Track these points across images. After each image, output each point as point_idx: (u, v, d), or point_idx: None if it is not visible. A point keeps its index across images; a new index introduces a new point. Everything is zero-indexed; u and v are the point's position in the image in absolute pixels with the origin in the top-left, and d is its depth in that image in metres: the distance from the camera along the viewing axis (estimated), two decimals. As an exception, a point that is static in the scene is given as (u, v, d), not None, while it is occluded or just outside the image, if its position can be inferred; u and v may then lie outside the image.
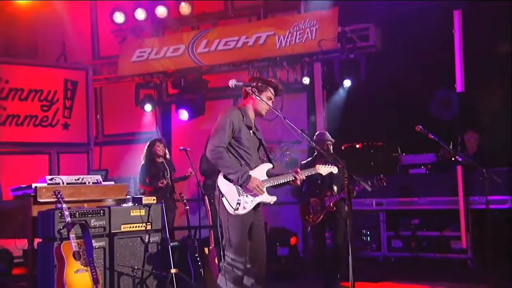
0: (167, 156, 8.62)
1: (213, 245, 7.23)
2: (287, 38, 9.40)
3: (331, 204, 6.57)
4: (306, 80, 9.41)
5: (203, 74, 10.27)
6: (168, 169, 8.51)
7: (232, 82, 4.65)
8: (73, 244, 5.36)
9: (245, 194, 4.57)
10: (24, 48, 10.69)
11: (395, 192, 8.69)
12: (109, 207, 6.13)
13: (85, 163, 10.42)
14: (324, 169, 5.07)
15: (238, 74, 10.12)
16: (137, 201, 6.53)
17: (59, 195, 5.48)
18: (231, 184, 4.56)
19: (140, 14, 10.40)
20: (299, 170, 4.76)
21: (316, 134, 7.10)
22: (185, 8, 10.18)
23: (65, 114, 10.29)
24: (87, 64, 10.92)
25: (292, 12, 9.73)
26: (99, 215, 6.01)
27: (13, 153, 9.86)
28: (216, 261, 7.09)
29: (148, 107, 10.46)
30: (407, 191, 8.72)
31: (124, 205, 6.44)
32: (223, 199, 4.56)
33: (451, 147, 6.83)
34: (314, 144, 5.43)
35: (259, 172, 4.68)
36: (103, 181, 6.99)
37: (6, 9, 9.97)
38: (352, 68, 9.10)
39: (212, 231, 7.29)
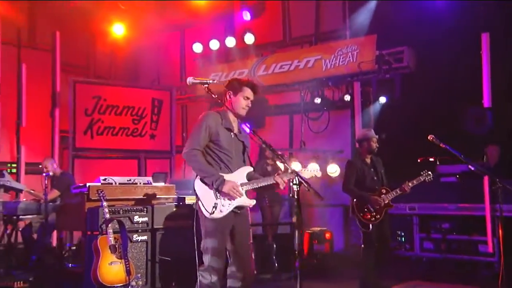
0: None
1: (251, 240, 6.69)
2: (332, 61, 8.85)
3: (389, 202, 5.78)
4: (347, 98, 8.83)
5: (263, 93, 9.82)
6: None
7: (189, 80, 3.93)
8: (110, 238, 5.07)
9: (222, 198, 3.90)
10: (124, 72, 10.73)
11: (426, 198, 7.88)
12: (152, 206, 5.81)
13: (167, 167, 10.26)
14: (307, 173, 4.17)
15: (291, 93, 9.71)
16: (181, 200, 6.18)
17: (101, 194, 5.22)
18: (208, 188, 3.91)
19: (214, 45, 10.18)
20: (280, 173, 4.06)
21: (360, 132, 6.32)
22: (249, 39, 9.88)
23: (152, 126, 10.25)
24: (172, 85, 10.77)
25: (339, 39, 9.05)
26: (142, 212, 5.74)
27: (109, 158, 9.92)
28: (253, 255, 6.58)
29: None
30: (438, 198, 7.89)
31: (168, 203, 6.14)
32: (199, 202, 3.93)
33: (469, 158, 5.98)
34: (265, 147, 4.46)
35: (239, 175, 4.01)
36: (164, 182, 6.73)
37: (109, 40, 10.03)
38: (388, 86, 8.41)
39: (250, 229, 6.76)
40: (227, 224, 3.97)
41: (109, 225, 5.09)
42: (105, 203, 5.14)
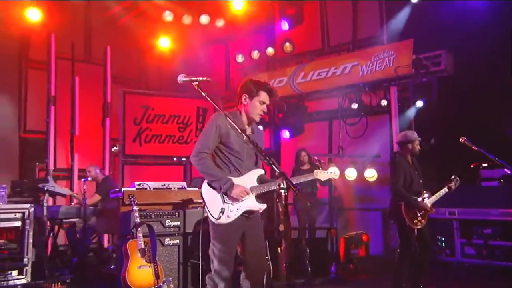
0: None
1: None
2: (369, 67, 8.38)
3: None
4: (384, 103, 8.29)
5: (302, 100, 9.47)
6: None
7: (179, 78, 3.50)
8: (139, 242, 4.85)
9: (230, 202, 3.53)
10: (172, 83, 10.61)
11: (467, 203, 7.31)
12: (184, 210, 5.56)
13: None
14: (323, 175, 3.80)
15: (329, 100, 9.30)
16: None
17: (131, 199, 5.02)
18: (215, 192, 3.55)
19: (255, 54, 9.94)
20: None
21: (402, 134, 5.79)
22: (288, 48, 9.58)
23: (197, 134, 10.05)
24: (218, 95, 10.53)
25: (376, 45, 8.55)
26: (174, 216, 5.50)
27: (157, 164, 9.81)
28: (286, 260, 6.20)
29: (260, 128, 9.87)
30: (480, 202, 7.25)
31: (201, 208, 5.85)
32: (206, 207, 3.57)
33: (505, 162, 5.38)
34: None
35: (249, 178, 3.63)
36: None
37: (155, 53, 9.98)
38: (425, 90, 7.85)
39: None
40: (236, 230, 3.59)
41: (139, 229, 4.88)
42: (135, 208, 4.95)
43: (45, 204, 5.77)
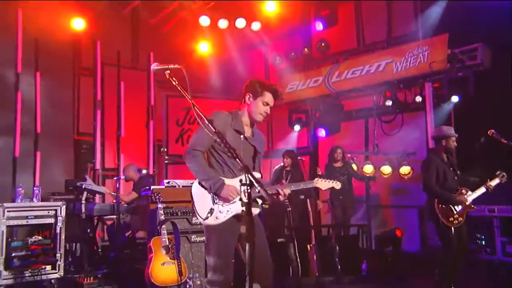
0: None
1: (313, 242, 5.98)
2: (403, 63, 7.87)
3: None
4: (418, 99, 7.70)
5: (338, 99, 9.02)
6: (347, 171, 7.56)
7: (152, 67, 2.96)
8: (163, 239, 4.65)
9: (220, 203, 3.17)
10: (213, 86, 10.48)
11: (508, 200, 6.48)
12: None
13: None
14: (323, 184, 3.41)
15: (365, 98, 8.82)
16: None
17: (157, 196, 4.83)
18: (206, 192, 3.20)
19: (292, 56, 9.62)
20: (284, 183, 3.31)
21: (437, 129, 5.34)
22: (323, 48, 9.18)
23: (235, 133, 9.79)
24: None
25: (411, 41, 7.98)
26: (201, 214, 5.20)
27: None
28: (315, 257, 5.85)
29: (296, 127, 9.58)
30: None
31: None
32: (194, 206, 3.22)
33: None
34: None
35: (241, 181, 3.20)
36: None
37: (195, 57, 9.87)
38: (460, 85, 7.20)
39: (313, 230, 6.05)
40: (230, 234, 3.21)
41: (163, 226, 4.69)
42: (160, 205, 4.76)
43: (83, 202, 5.73)
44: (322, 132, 9.11)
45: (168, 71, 2.89)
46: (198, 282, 5.05)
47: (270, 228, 6.13)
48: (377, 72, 8.23)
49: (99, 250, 6.35)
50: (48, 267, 4.76)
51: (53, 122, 8.51)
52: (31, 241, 4.69)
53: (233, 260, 3.25)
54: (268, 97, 3.34)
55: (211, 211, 3.15)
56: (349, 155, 7.69)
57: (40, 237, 4.77)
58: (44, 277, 4.71)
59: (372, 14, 9.05)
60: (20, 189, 4.98)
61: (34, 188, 5.01)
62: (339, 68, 8.87)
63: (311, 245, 5.91)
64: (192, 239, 5.15)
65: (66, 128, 9.09)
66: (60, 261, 4.82)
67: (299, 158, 7.04)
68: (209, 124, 2.77)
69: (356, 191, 8.00)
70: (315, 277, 5.73)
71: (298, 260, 5.69)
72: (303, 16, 9.62)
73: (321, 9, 9.37)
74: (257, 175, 3.32)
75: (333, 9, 9.23)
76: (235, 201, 3.17)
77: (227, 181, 3.21)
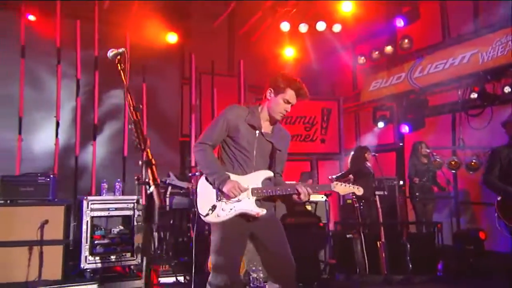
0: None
1: (383, 239, 5.37)
2: (489, 53, 6.79)
3: None
4: (507, 89, 6.54)
5: (422, 95, 8.09)
6: (429, 168, 6.86)
7: (108, 54, 2.48)
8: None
9: (224, 201, 2.76)
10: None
11: None
12: (274, 203, 5.01)
13: (337, 168, 9.25)
14: (342, 188, 2.88)
15: (451, 92, 7.79)
16: (307, 198, 5.26)
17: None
18: (211, 187, 2.80)
19: (375, 54, 8.87)
20: (310, 182, 2.81)
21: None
22: (406, 44, 8.31)
23: (322, 132, 9.37)
24: (340, 96, 9.72)
25: (500, 29, 6.81)
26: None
27: (286, 160, 9.33)
28: (384, 255, 5.25)
29: (380, 124, 8.82)
30: None
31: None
32: (196, 201, 2.82)
33: None
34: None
35: (253, 179, 2.81)
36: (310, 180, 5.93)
37: (279, 61, 9.62)
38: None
39: (382, 227, 5.43)
40: (236, 233, 2.79)
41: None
42: (221, 200, 4.58)
43: (167, 195, 5.81)
44: (405, 128, 8.25)
45: (119, 56, 2.46)
46: (261, 275, 4.79)
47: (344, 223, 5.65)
48: (461, 64, 7.20)
49: (183, 240, 6.41)
50: (128, 254, 4.88)
51: (160, 127, 8.89)
52: (113, 230, 4.85)
53: (239, 261, 2.86)
54: (290, 94, 2.87)
55: (213, 208, 2.76)
56: (428, 150, 6.80)
57: (121, 227, 4.90)
58: (124, 263, 4.84)
59: (457, 7, 7.93)
60: (104, 184, 5.20)
61: (116, 184, 5.19)
62: (422, 63, 7.95)
63: (380, 242, 5.29)
64: (256, 233, 4.92)
65: (173, 130, 9.46)
66: (138, 250, 4.91)
67: (372, 154, 6.39)
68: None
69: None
70: (384, 275, 5.11)
71: (366, 257, 5.13)
72: (384, 14, 8.81)
73: (402, 6, 8.49)
74: (268, 173, 2.88)
75: (414, 5, 8.29)
76: (239, 199, 2.76)
77: (234, 177, 2.80)
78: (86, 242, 4.64)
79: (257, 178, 2.83)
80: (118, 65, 2.30)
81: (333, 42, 9.58)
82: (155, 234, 6.40)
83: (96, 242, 4.69)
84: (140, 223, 4.54)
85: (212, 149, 2.89)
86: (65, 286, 4.41)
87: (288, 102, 2.89)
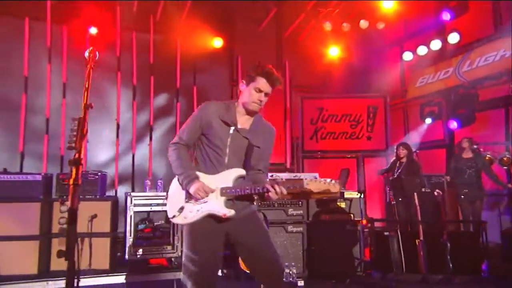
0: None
1: (421, 238, 5.02)
2: (544, 44, 6.03)
3: None
4: None
5: (470, 89, 7.47)
6: (476, 163, 6.33)
7: (85, 54, 2.13)
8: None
9: (192, 202, 2.50)
10: (341, 86, 9.79)
11: None
12: (307, 200, 4.88)
13: (384, 164, 8.82)
14: (315, 185, 2.40)
15: (504, 86, 7.08)
16: (340, 195, 5.05)
17: (252, 189, 4.58)
18: (181, 188, 2.55)
19: (421, 50, 8.34)
20: (279, 181, 2.38)
21: None
22: (454, 39, 7.69)
23: (368, 129, 8.99)
24: (387, 93, 9.24)
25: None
26: (297, 205, 4.87)
27: (332, 158, 9.07)
28: (422, 253, 4.91)
29: (428, 121, 8.26)
30: None
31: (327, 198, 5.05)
32: (167, 201, 2.60)
33: None
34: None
35: (223, 178, 2.50)
36: (346, 178, 5.72)
37: (324, 60, 9.37)
38: None
39: (420, 225, 5.07)
40: (206, 236, 2.50)
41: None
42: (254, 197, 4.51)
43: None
44: (453, 124, 7.63)
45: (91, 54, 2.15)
46: (294, 271, 4.66)
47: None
48: (513, 56, 6.54)
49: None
50: (169, 247, 4.96)
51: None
52: (155, 224, 4.96)
53: (214, 260, 2.54)
54: (261, 83, 2.53)
55: (181, 210, 2.51)
56: (474, 146, 6.25)
57: (162, 222, 5.01)
58: (164, 255, 4.93)
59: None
60: (148, 181, 5.34)
61: (158, 181, 5.30)
62: (470, 57, 7.33)
63: (418, 240, 4.94)
64: (289, 229, 4.79)
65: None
66: (177, 243, 4.98)
67: (414, 150, 5.99)
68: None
69: (491, 184, 6.48)
70: (422, 274, 4.76)
71: (402, 255, 4.82)
72: (431, 9, 8.23)
73: (449, 0, 7.87)
74: (239, 172, 2.54)
75: (461, -3, 7.67)
76: (206, 201, 2.49)
77: (205, 177, 2.53)
78: (130, 235, 4.80)
79: (227, 177, 2.52)
80: (89, 64, 2.06)
81: (379, 40, 9.17)
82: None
83: (139, 235, 4.83)
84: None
85: (186, 148, 2.65)
86: (112, 275, 4.58)
87: (260, 91, 2.54)
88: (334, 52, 9.20)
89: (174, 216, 2.53)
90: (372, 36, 8.96)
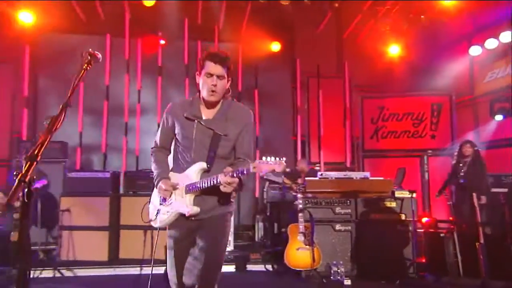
0: None
1: (481, 241, 4.55)
2: None
3: None
4: None
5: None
6: None
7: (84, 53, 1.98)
8: (300, 226, 4.32)
9: (164, 204, 2.35)
10: (402, 84, 9.21)
11: None
12: (355, 199, 4.66)
13: (450, 163, 8.12)
14: (261, 166, 1.99)
15: None
16: (392, 194, 4.75)
17: (299, 187, 4.50)
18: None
19: (491, 44, 7.54)
20: (230, 169, 2.10)
21: None
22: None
23: (432, 128, 8.38)
24: (452, 90, 8.51)
25: None
26: (345, 204, 4.68)
27: (393, 157, 8.54)
28: (482, 257, 4.44)
29: (498, 117, 7.45)
30: None
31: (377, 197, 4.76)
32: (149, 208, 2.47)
33: None
34: None
35: (188, 174, 2.29)
36: (402, 178, 5.40)
37: (384, 59, 8.91)
38: None
39: (480, 228, 4.60)
40: (179, 237, 2.34)
41: (301, 214, 4.32)
42: (299, 195, 4.40)
43: (265, 189, 5.83)
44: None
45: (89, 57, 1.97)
46: (342, 269, 4.46)
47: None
48: None
49: (280, 231, 6.35)
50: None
51: (272, 127, 9.04)
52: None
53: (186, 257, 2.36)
54: (209, 66, 2.28)
55: (158, 213, 2.37)
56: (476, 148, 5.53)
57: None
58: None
59: None
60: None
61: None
62: (545, 48, 6.47)
63: (478, 243, 4.46)
64: (337, 228, 4.60)
65: (286, 131, 9.50)
66: (230, 238, 5.03)
67: (476, 148, 5.43)
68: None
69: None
70: (481, 279, 4.29)
71: (459, 258, 4.38)
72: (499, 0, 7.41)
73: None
74: (201, 165, 2.29)
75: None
76: (172, 201, 2.33)
77: (174, 176, 2.37)
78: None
79: (192, 173, 2.30)
80: (86, 64, 2.00)
81: (444, 35, 8.47)
82: (261, 224, 6.49)
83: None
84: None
85: (164, 151, 2.51)
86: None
87: (211, 75, 2.28)
88: (394, 50, 8.69)
89: (151, 220, 2.43)
90: (435, 32, 8.31)
